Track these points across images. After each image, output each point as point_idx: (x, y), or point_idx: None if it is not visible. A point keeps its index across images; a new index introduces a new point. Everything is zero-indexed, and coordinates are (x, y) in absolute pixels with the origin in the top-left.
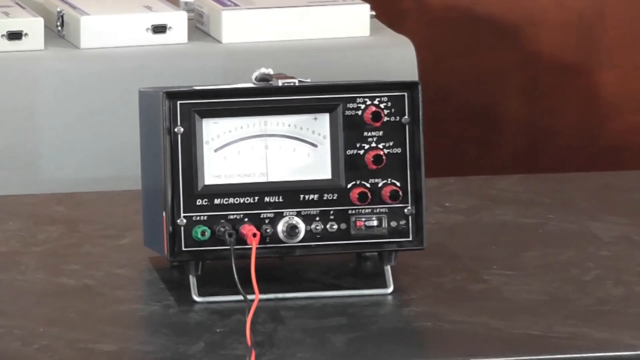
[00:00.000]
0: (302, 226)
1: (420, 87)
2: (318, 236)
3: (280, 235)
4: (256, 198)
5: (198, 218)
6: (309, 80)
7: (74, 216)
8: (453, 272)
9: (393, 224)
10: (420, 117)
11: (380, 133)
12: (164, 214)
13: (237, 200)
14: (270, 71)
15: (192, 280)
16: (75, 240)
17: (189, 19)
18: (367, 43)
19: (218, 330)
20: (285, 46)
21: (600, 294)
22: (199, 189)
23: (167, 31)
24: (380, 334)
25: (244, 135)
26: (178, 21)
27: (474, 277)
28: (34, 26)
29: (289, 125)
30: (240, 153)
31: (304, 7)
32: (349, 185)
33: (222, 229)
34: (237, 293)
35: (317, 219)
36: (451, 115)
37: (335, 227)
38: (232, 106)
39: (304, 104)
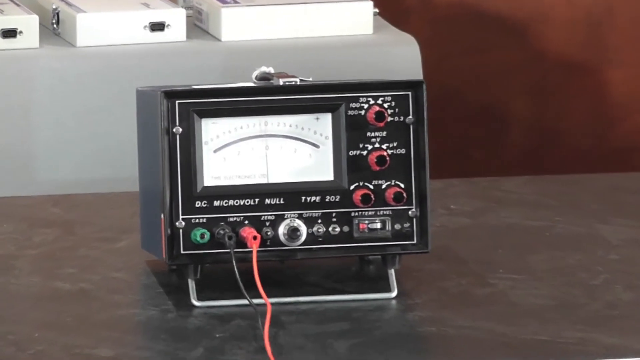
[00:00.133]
0: (303, 229)
1: (424, 87)
2: (320, 239)
3: (281, 238)
4: (256, 200)
5: (197, 220)
6: (310, 79)
7: (70, 218)
8: (458, 276)
9: (397, 226)
10: (425, 117)
11: (384, 133)
12: (162, 216)
13: (237, 202)
14: (271, 70)
15: (191, 284)
16: (71, 243)
17: (188, 17)
18: (370, 41)
19: (217, 335)
20: (287, 44)
21: (610, 299)
22: (198, 190)
23: (165, 29)
24: (383, 339)
25: (244, 136)
26: (176, 19)
27: (480, 281)
28: (28, 24)
29: (290, 126)
30: (240, 154)
31: (306, 4)
32: (352, 187)
33: (222, 232)
34: (237, 297)
35: (319, 221)
36: (456, 115)
37: (338, 229)
38: (232, 106)
39: (305, 104)
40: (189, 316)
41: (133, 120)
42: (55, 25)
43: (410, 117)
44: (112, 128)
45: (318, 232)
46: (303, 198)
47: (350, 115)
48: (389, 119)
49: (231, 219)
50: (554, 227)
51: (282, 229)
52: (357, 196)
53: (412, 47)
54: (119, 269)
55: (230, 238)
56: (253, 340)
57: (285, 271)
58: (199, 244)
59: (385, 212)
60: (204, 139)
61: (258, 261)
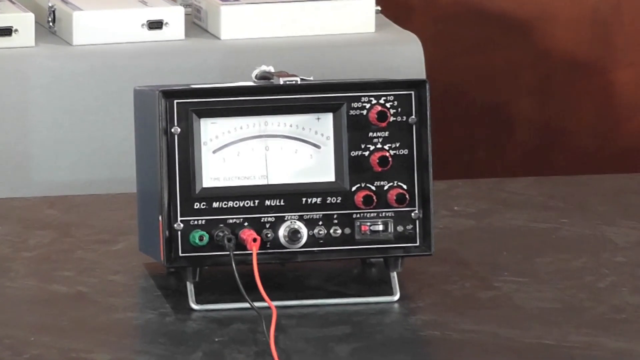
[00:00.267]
0: (304, 231)
1: (427, 86)
2: (321, 241)
3: (282, 240)
4: (256, 201)
5: (196, 222)
6: (311, 78)
7: (66, 220)
8: (462, 279)
9: (399, 228)
10: (428, 117)
11: (386, 134)
12: (160, 218)
13: (236, 204)
14: (271, 69)
15: (190, 287)
16: (67, 246)
17: (186, 14)
18: (372, 39)
19: (217, 339)
20: (287, 43)
21: (616, 302)
22: (197, 192)
23: (164, 27)
24: (385, 343)
25: (243, 136)
26: (175, 16)
27: (484, 284)
28: (24, 22)
29: (291, 126)
30: (240, 154)
31: (306, 2)
32: (354, 188)
33: (221, 234)
34: (237, 300)
35: (320, 223)
36: (460, 115)
37: (339, 231)
38: (231, 105)
39: (306, 104)
40: (187, 320)
41: (130, 120)
42: (51, 24)
43: (413, 117)
44: (109, 128)
45: (319, 234)
46: (304, 199)
47: (351, 115)
48: (392, 118)
49: (230, 221)
50: (560, 229)
51: (282, 231)
52: (358, 197)
53: (415, 45)
54: (116, 272)
55: (229, 240)
56: (253, 344)
57: (286, 274)
58: (198, 246)
59: (387, 214)
60: (202, 140)
61: (258, 264)
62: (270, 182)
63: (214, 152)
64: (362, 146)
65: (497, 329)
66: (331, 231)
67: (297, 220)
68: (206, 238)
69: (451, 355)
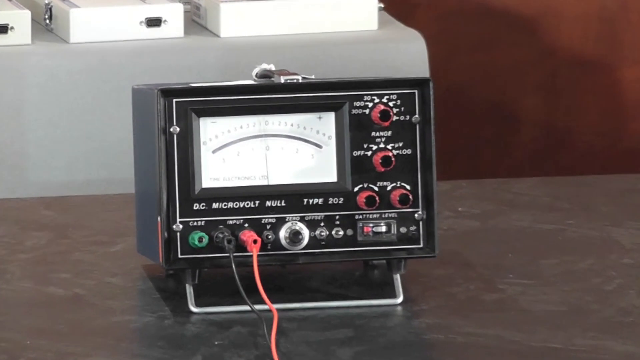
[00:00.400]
0: (305, 232)
1: (431, 84)
2: (323, 243)
3: (283, 241)
4: (257, 202)
5: (195, 223)
6: (312, 76)
7: (63, 221)
8: (466, 281)
9: (402, 230)
10: (432, 116)
11: (389, 133)
12: (158, 219)
13: (236, 205)
14: (272, 67)
15: (189, 290)
16: (64, 247)
17: (185, 12)
18: (374, 37)
19: (216, 342)
20: (288, 40)
21: (623, 305)
22: (196, 192)
23: (162, 24)
24: (388, 347)
25: (243, 136)
26: (173, 14)
27: (489, 286)
28: (20, 19)
29: (292, 125)
30: (240, 154)
31: None
32: (356, 189)
33: (221, 235)
34: (237, 303)
35: (322, 224)
36: (464, 114)
37: (341, 233)
38: (231, 104)
39: (307, 102)
40: (186, 323)
41: (128, 120)
42: (47, 21)
43: (417, 116)
44: (107, 128)
45: (321, 235)
46: (305, 200)
47: (354, 114)
48: (395, 118)
49: (230, 222)
50: (566, 231)
51: (283, 233)
52: (361, 198)
53: (419, 43)
54: (114, 274)
55: (229, 242)
56: (253, 348)
57: (287, 276)
58: (197, 248)
59: (390, 215)
60: (202, 139)
61: (258, 265)
62: (270, 183)
63: (214, 152)
64: (365, 146)
65: (502, 332)
66: (333, 232)
67: (299, 221)
68: (206, 239)
69: (455, 359)
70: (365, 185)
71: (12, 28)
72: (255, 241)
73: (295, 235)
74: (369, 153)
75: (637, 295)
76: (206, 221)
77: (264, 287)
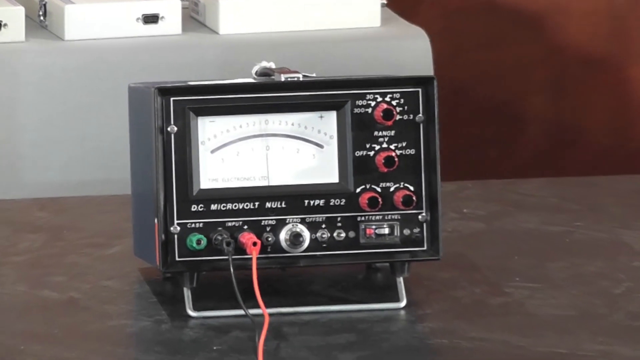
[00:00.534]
0: (306, 234)
1: (435, 83)
2: (324, 245)
3: (283, 244)
4: (256, 203)
5: (193, 225)
6: (314, 74)
7: (57, 223)
8: (471, 285)
9: (406, 232)
10: (436, 115)
11: (392, 133)
12: (155, 220)
13: (235, 206)
14: (272, 65)
15: (187, 294)
16: (59, 250)
17: (183, 8)
18: (377, 34)
19: (215, 347)
20: (289, 38)
21: (633, 309)
22: (194, 193)
23: (160, 21)
24: (391, 352)
25: (243, 135)
26: (171, 10)
27: (495, 290)
28: (14, 16)
29: (293, 124)
30: (239, 154)
31: None
32: (358, 190)
33: (220, 237)
34: (236, 307)
35: (323, 226)
36: (469, 113)
37: (343, 235)
38: (230, 103)
39: (308, 101)
40: (184, 327)
41: (125, 119)
42: (42, 18)
43: (421, 115)
44: (103, 127)
45: (322, 237)
46: (306, 201)
47: (356, 113)
48: (398, 117)
49: (229, 224)
50: (574, 233)
51: (283, 235)
52: (363, 199)
53: (423, 40)
54: (110, 277)
55: (228, 244)
56: (252, 353)
57: (287, 279)
58: (195, 250)
59: (393, 217)
60: (200, 139)
61: (258, 269)
62: (271, 184)
63: (212, 152)
64: (367, 146)
65: (508, 337)
66: (335, 235)
67: (299, 223)
68: (204, 242)
69: None
70: (368, 186)
71: (5, 25)
72: (254, 243)
73: (295, 238)
74: (372, 153)
75: None
76: (204, 223)
77: (263, 290)
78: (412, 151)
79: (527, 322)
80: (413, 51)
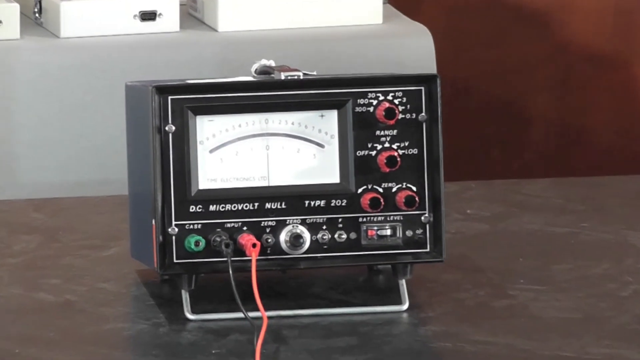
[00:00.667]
0: (307, 236)
1: (438, 81)
2: (325, 247)
3: (283, 245)
4: (256, 204)
5: (191, 226)
6: (314, 73)
7: (53, 224)
8: (475, 287)
9: (408, 233)
10: (439, 114)
11: (394, 132)
12: (153, 222)
13: (234, 207)
14: (272, 63)
15: (185, 296)
16: (55, 251)
17: (181, 5)
18: (379, 32)
19: (214, 351)
20: (289, 35)
21: (639, 311)
22: (193, 194)
23: (157, 18)
24: (393, 355)
25: (242, 135)
26: (169, 7)
27: (499, 292)
28: (9, 13)
29: (293, 124)
30: (239, 154)
31: None
32: (360, 190)
33: (218, 239)
34: (235, 310)
35: (324, 227)
36: (473, 112)
37: (344, 236)
38: (229, 102)
39: (309, 100)
40: (182, 330)
41: (122, 118)
42: (37, 15)
43: (423, 114)
44: (99, 126)
45: (323, 239)
46: (306, 202)
47: (357, 112)
48: (400, 116)
49: (228, 225)
50: (579, 234)
51: (283, 236)
52: (365, 200)
53: (425, 38)
54: (106, 280)
55: (227, 246)
56: (251, 357)
57: (287, 282)
58: (194, 252)
59: (395, 218)
60: (199, 138)
61: (257, 271)
62: (270, 184)
63: (211, 151)
64: (369, 145)
65: (513, 341)
66: (336, 236)
67: (300, 224)
68: (202, 243)
69: None
70: (370, 187)
71: (0, 22)
72: (254, 245)
73: (296, 239)
74: (374, 153)
75: None
76: (203, 224)
77: (263, 293)
78: (415, 151)
79: (532, 325)
80: (415, 49)
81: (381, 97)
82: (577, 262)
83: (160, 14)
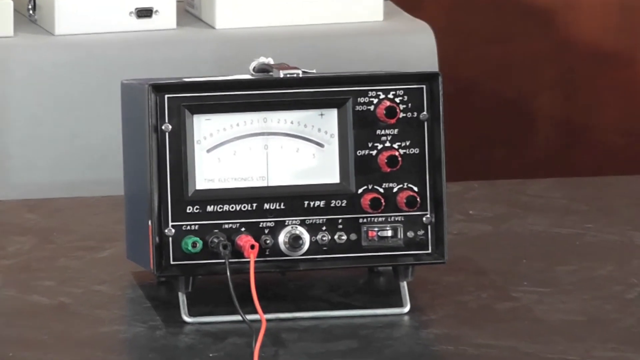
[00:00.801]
0: (306, 237)
1: (440, 79)
2: (325, 248)
3: (282, 247)
4: (254, 205)
5: (188, 227)
6: (314, 71)
7: (47, 225)
8: (478, 289)
9: (410, 234)
10: (441, 113)
11: (395, 131)
12: (149, 222)
13: (232, 208)
14: (271, 61)
15: (182, 298)
16: (49, 253)
17: (178, 2)
18: (380, 29)
19: (211, 355)
20: (288, 32)
21: None
22: (190, 194)
23: (153, 15)
24: (394, 359)
25: (240, 134)
26: (165, 4)
27: (502, 294)
28: (2, 9)
29: (292, 123)
30: (237, 154)
31: None
32: (360, 191)
33: (216, 240)
34: (233, 313)
35: (324, 228)
36: (476, 111)
37: (344, 237)
38: (227, 101)
39: (308, 98)
40: (179, 333)
41: (117, 117)
42: (31, 12)
43: (425, 113)
44: (94, 125)
45: (322, 240)
46: (306, 203)
47: (358, 111)
48: (401, 115)
49: (226, 226)
50: (584, 235)
51: (282, 237)
52: (365, 201)
53: (427, 35)
54: (102, 282)
55: (225, 247)
56: None
57: (286, 284)
58: (191, 253)
59: (396, 219)
60: (196, 138)
61: (256, 272)
62: (269, 184)
63: (209, 151)
64: (369, 145)
65: (516, 344)
66: (335, 237)
67: (299, 225)
68: (200, 245)
69: None
70: (370, 187)
71: None
72: (252, 246)
73: (295, 240)
74: (374, 152)
75: None
76: (200, 225)
77: (261, 295)
78: (416, 150)
79: (536, 328)
80: (417, 46)
81: (382, 96)
82: (581, 263)
83: (156, 11)
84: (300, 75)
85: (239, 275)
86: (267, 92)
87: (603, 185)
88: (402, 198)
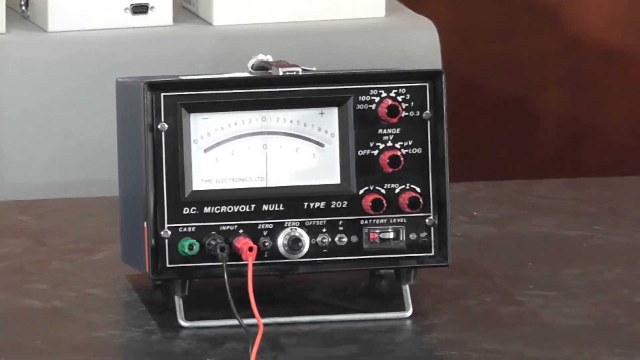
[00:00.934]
0: (306, 239)
1: (444, 77)
2: (325, 250)
3: (281, 249)
4: (253, 206)
5: (185, 229)
6: (314, 68)
7: (40, 227)
8: (482, 293)
9: (412, 236)
10: (444, 111)
11: (398, 130)
12: (145, 224)
13: (230, 209)
14: (269, 58)
15: (178, 302)
16: (42, 256)
17: None
18: (382, 25)
19: None
20: (287, 29)
21: None
22: (186, 195)
23: (149, 11)
24: None
25: (238, 133)
26: (161, 0)
27: (507, 298)
28: None
29: (291, 122)
30: (235, 154)
31: None
32: (361, 192)
33: (213, 242)
34: (230, 317)
35: (324, 230)
36: (480, 109)
37: (345, 240)
38: (225, 99)
39: (308, 97)
40: (175, 338)
41: (112, 116)
42: (24, 8)
43: (428, 111)
44: (88, 124)
45: (322, 242)
46: (306, 204)
47: (359, 109)
48: (404, 114)
49: (224, 228)
50: (592, 237)
51: (281, 239)
52: (367, 202)
53: (430, 32)
54: (96, 285)
55: (222, 249)
56: None
57: (286, 287)
58: (187, 256)
59: (398, 220)
60: (193, 137)
61: (254, 275)
62: (268, 185)
63: (206, 151)
64: (371, 144)
65: (522, 349)
66: (336, 239)
67: (298, 227)
68: (196, 247)
69: None
70: (372, 188)
71: None
72: (250, 249)
73: (294, 243)
74: (376, 152)
75: None
76: (197, 227)
77: (260, 299)
78: (419, 150)
79: (542, 332)
80: (420, 43)
81: (384, 94)
82: (589, 266)
83: (152, 7)
84: (300, 73)
85: (237, 279)
86: (265, 90)
87: (611, 186)
88: (404, 199)
